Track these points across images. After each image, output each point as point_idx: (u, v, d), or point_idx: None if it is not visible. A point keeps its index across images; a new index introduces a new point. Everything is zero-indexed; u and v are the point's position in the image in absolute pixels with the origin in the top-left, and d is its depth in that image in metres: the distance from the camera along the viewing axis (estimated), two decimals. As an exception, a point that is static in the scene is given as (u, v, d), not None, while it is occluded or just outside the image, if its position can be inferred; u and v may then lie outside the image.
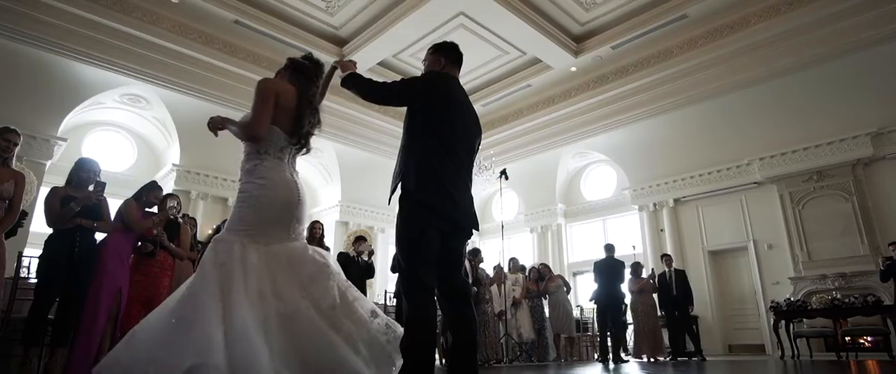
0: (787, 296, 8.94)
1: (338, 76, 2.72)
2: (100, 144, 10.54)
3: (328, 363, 1.88)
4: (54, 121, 8.81)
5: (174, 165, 10.27)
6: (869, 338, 8.73)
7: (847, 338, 8.20)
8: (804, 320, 8.49)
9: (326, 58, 10.34)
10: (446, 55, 2.72)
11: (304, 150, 2.44)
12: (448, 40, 2.85)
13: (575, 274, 13.25)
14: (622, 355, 8.31)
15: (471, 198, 2.58)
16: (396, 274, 6.60)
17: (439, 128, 2.47)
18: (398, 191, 2.47)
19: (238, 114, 9.21)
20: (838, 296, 8.03)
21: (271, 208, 2.20)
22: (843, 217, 9.26)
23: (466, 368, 2.30)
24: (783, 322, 8.37)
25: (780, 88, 9.70)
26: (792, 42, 9.11)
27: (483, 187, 11.50)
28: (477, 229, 2.56)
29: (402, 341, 2.17)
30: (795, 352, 8.33)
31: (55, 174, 8.97)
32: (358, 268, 6.32)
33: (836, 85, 9.30)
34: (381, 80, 2.66)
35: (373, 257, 6.85)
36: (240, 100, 10.36)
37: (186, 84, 9.58)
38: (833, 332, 8.20)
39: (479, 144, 2.74)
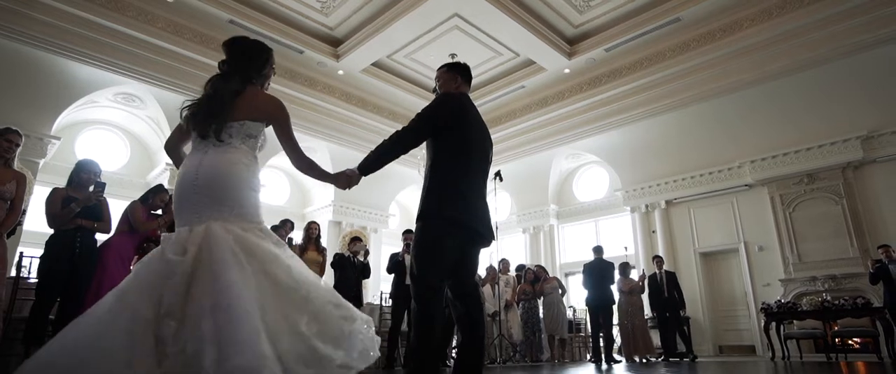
0: (778, 298, 9.03)
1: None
2: (93, 143, 10.46)
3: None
4: (48, 119, 8.74)
5: (167, 164, 10.19)
6: (858, 340, 8.85)
7: (837, 340, 8.31)
8: (794, 321, 8.59)
9: (321, 58, 10.44)
10: (462, 75, 2.88)
11: (209, 133, 2.11)
12: (460, 61, 3.00)
13: (567, 275, 13.33)
14: (615, 355, 8.39)
15: (487, 208, 2.72)
16: (392, 275, 6.65)
17: (459, 147, 2.62)
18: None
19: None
20: (828, 298, 8.14)
21: (175, 197, 2.10)
22: (833, 220, 9.39)
23: (472, 367, 2.39)
24: (773, 324, 8.47)
25: (772, 91, 9.82)
26: (784, 46, 9.22)
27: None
28: (494, 239, 2.71)
29: (412, 340, 2.25)
30: (786, 353, 8.43)
31: (48, 173, 8.91)
32: (354, 268, 6.33)
33: (827, 89, 9.43)
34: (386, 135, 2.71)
35: (368, 258, 6.86)
36: (234, 99, 10.30)
37: (181, 83, 9.52)
38: (823, 334, 8.30)
39: (491, 155, 2.89)
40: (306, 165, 2.38)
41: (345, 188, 2.57)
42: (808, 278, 9.43)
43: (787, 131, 9.96)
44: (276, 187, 13.02)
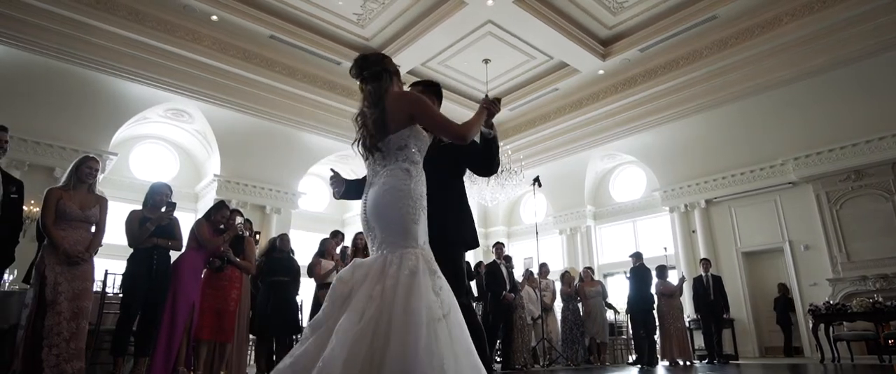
0: (826, 298, 8.83)
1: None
2: (145, 157, 10.99)
3: None
4: (105, 136, 9.26)
5: (215, 175, 10.64)
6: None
7: (889, 341, 8.08)
8: (844, 323, 8.39)
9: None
10: (437, 97, 2.69)
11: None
12: (428, 81, 2.80)
13: (605, 276, 13.25)
14: (658, 357, 8.38)
15: None
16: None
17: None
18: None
19: (276, 126, 9.57)
20: (880, 299, 7.90)
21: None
22: (884, 217, 9.11)
23: None
24: (822, 326, 8.28)
25: (814, 86, 9.60)
26: (825, 41, 9.03)
27: (512, 190, 11.62)
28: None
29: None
30: (836, 356, 8.25)
31: (107, 187, 9.41)
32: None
33: (872, 82, 9.16)
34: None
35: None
36: (277, 112, 10.74)
37: (226, 98, 10.00)
38: (875, 335, 8.09)
39: None
40: (464, 133, 2.03)
41: (492, 112, 2.29)
42: (857, 278, 9.18)
43: (831, 127, 9.68)
44: (315, 194, 13.35)
